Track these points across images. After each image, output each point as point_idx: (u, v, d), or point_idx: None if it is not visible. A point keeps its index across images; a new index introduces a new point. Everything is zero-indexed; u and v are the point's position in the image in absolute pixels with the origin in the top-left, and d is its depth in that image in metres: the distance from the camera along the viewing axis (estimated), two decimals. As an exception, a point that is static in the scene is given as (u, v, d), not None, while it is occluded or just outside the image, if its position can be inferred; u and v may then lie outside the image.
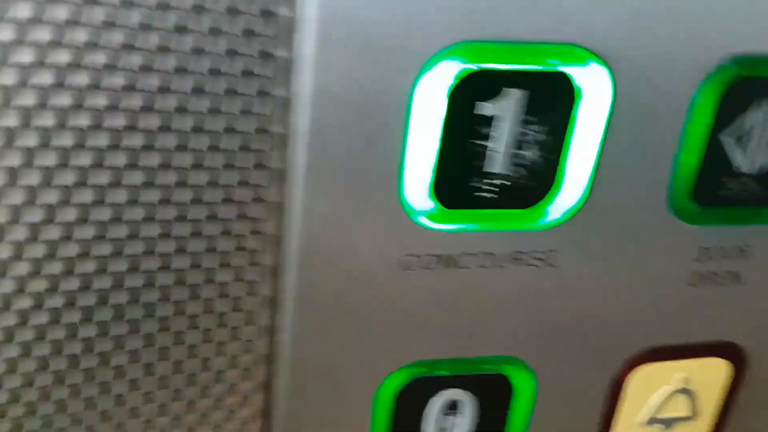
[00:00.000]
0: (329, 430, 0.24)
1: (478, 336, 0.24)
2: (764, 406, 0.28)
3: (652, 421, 0.27)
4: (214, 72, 0.18)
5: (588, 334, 0.25)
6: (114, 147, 0.18)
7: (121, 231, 0.19)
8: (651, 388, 0.27)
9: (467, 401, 0.25)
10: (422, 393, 0.25)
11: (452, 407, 0.25)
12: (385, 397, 0.24)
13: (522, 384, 0.25)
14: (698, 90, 0.21)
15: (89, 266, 0.19)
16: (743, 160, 0.23)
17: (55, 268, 0.19)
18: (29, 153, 0.18)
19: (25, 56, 0.17)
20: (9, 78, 0.17)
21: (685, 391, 0.27)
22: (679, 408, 0.27)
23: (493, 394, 0.25)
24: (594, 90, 0.21)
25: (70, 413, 0.21)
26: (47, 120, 0.18)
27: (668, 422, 0.27)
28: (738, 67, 0.21)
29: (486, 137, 0.21)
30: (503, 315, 0.24)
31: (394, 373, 0.24)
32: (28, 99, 0.17)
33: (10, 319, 0.19)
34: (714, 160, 0.23)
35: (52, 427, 0.21)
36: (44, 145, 0.18)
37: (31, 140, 0.18)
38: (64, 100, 0.18)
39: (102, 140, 0.18)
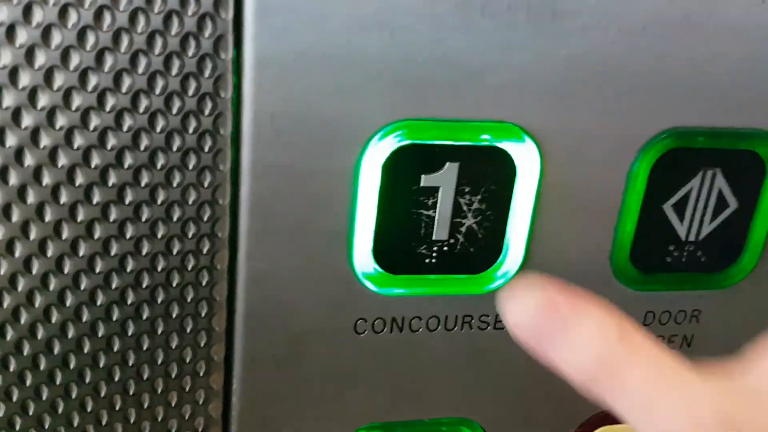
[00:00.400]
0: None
1: (431, 398, 0.25)
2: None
3: (610, 484, 0.27)
4: (165, 149, 0.19)
5: (540, 396, 0.25)
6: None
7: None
8: (608, 451, 0.27)
9: (422, 463, 0.26)
10: (377, 456, 0.25)
11: (407, 469, 0.26)
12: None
13: (478, 446, 0.26)
14: (633, 162, 0.22)
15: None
16: (682, 228, 0.23)
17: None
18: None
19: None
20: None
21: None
22: (638, 471, 0.27)
23: (448, 456, 0.26)
24: (528, 164, 0.22)
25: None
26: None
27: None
28: (672, 139, 0.22)
29: (426, 206, 0.22)
30: (455, 376, 0.25)
31: (350, 436, 0.25)
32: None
33: None
34: (653, 228, 0.23)
35: None
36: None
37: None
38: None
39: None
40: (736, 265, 0.24)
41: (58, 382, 0.21)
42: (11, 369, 0.21)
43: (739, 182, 0.23)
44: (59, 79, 0.18)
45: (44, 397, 0.21)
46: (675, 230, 0.24)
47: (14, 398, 0.21)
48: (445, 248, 0.23)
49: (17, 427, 0.21)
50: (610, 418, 0.26)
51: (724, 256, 0.24)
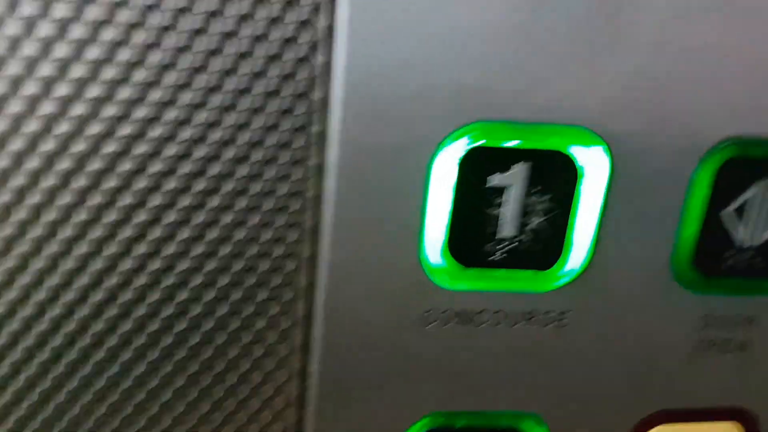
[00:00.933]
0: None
1: (494, 390, 0.26)
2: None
3: (666, 483, 0.28)
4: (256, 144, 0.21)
5: (600, 394, 0.26)
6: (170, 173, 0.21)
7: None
8: (664, 450, 0.28)
9: (483, 453, 0.27)
10: (441, 443, 0.27)
11: (469, 458, 0.27)
12: (406, 445, 0.26)
13: (537, 439, 0.27)
14: (695, 169, 0.23)
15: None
16: (743, 235, 0.24)
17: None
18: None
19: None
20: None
21: (697, 455, 0.28)
22: (692, 472, 0.28)
23: (508, 448, 0.27)
24: (595, 167, 0.23)
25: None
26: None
27: (682, 486, 0.28)
28: (733, 148, 0.23)
29: (495, 205, 0.23)
30: (517, 372, 0.26)
31: (416, 423, 0.26)
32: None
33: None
34: (714, 233, 0.24)
35: None
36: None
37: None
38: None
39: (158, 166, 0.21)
40: (794, 271, 0.25)
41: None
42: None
43: (798, 190, 0.24)
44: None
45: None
46: (734, 236, 0.25)
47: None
48: (512, 246, 0.24)
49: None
50: (667, 417, 0.27)
51: (782, 262, 0.25)
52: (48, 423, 0.24)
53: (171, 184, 0.21)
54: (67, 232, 0.21)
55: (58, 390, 0.23)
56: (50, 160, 0.20)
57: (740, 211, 0.24)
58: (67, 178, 0.21)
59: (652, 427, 0.27)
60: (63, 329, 0.22)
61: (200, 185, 0.21)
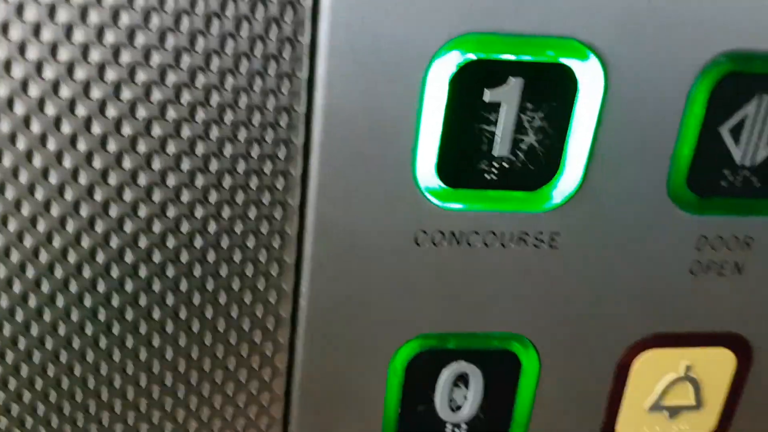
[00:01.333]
0: (346, 392, 0.26)
1: (484, 312, 0.26)
2: (769, 399, 0.29)
3: (657, 407, 0.28)
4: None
5: (591, 316, 0.26)
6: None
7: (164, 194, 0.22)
8: (656, 374, 0.28)
9: (475, 375, 0.27)
10: (432, 365, 0.27)
11: (461, 380, 0.27)
12: (397, 366, 0.26)
13: (529, 362, 0.27)
14: (693, 84, 0.23)
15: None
16: (739, 153, 0.24)
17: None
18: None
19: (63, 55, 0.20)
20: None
21: (689, 379, 0.28)
22: (684, 396, 0.28)
23: (500, 370, 0.27)
24: (590, 82, 0.22)
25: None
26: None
27: (673, 410, 0.28)
28: (730, 63, 0.23)
29: (488, 122, 0.23)
30: (508, 293, 0.26)
31: (406, 344, 0.26)
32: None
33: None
34: (710, 151, 0.24)
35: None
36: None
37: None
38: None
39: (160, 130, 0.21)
40: (791, 192, 0.25)
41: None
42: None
43: (797, 108, 0.24)
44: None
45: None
46: (731, 155, 0.24)
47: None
48: (506, 164, 0.24)
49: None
50: (659, 341, 0.27)
51: (779, 182, 0.25)
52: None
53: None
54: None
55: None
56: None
57: (737, 129, 0.24)
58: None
59: (644, 351, 0.27)
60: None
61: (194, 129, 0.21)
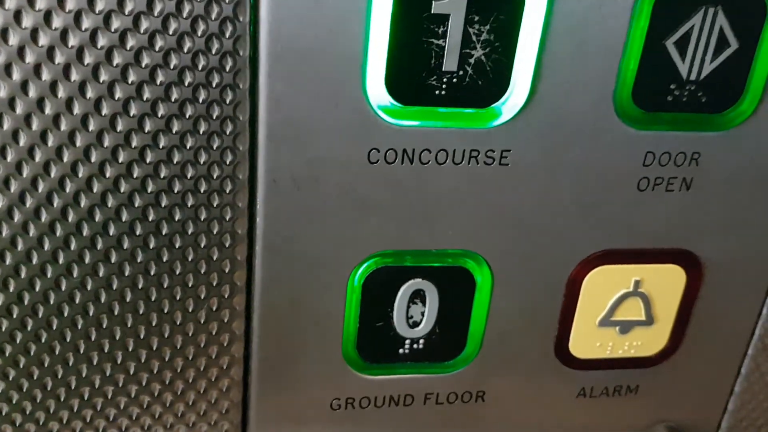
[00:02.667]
0: (306, 311, 0.27)
1: (439, 229, 0.27)
2: (719, 316, 0.30)
3: (608, 322, 0.29)
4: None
5: (543, 233, 0.27)
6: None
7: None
8: (607, 291, 0.29)
9: (431, 292, 0.28)
10: (389, 282, 0.27)
11: (417, 297, 0.28)
12: (356, 285, 0.27)
13: (483, 278, 0.28)
14: (637, -3, 0.23)
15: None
16: (684, 67, 0.24)
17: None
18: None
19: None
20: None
21: (639, 294, 0.29)
22: (635, 312, 0.29)
23: (455, 286, 0.28)
24: (535, -7, 0.23)
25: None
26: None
27: (624, 325, 0.29)
28: (675, -25, 0.23)
29: (437, 36, 0.23)
30: (462, 210, 0.26)
31: (363, 262, 0.27)
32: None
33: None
34: (656, 66, 0.24)
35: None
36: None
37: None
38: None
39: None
40: (736, 107, 0.25)
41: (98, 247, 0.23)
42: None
43: (740, 22, 0.24)
44: None
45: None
46: (677, 69, 0.25)
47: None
48: (455, 80, 0.24)
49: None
50: (610, 257, 0.28)
51: (725, 97, 0.25)
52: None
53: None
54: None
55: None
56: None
57: (683, 42, 0.24)
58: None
59: (594, 267, 0.28)
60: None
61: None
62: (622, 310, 0.29)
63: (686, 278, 0.29)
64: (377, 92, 0.24)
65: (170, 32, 0.22)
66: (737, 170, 0.27)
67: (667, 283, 0.29)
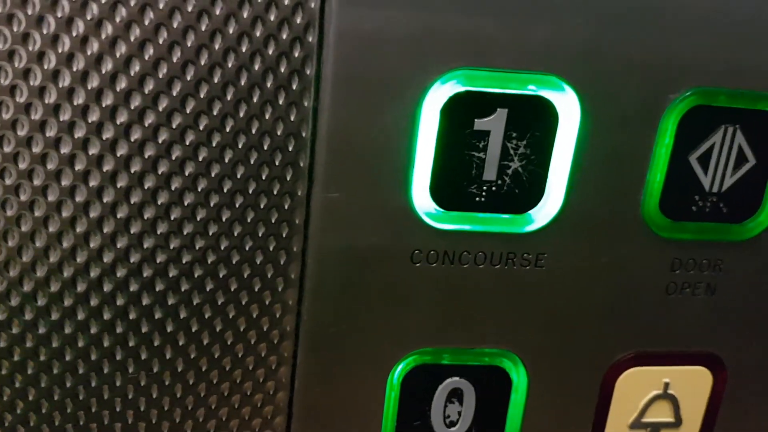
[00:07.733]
0: (345, 406, 0.28)
1: (477, 328, 0.28)
2: (743, 417, 0.30)
3: (639, 424, 0.30)
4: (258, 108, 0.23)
5: (576, 334, 0.28)
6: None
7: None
8: (638, 391, 0.29)
9: (468, 391, 0.29)
10: (428, 380, 0.28)
11: (454, 396, 0.29)
12: (394, 381, 0.28)
13: (519, 378, 0.29)
14: (662, 116, 0.25)
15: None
16: (706, 180, 0.26)
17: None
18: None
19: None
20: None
21: (669, 396, 0.30)
22: (664, 413, 0.30)
23: (492, 386, 0.29)
24: (568, 113, 0.25)
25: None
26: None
27: (654, 427, 0.30)
28: (696, 97, 0.25)
29: (477, 149, 0.25)
30: (499, 310, 0.28)
31: (403, 359, 0.28)
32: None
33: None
34: (680, 179, 0.26)
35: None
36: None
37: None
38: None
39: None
40: (755, 218, 0.27)
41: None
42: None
43: (757, 139, 0.26)
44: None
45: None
46: (700, 182, 0.26)
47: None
48: (493, 188, 0.26)
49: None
50: (640, 359, 0.29)
51: (744, 208, 0.27)
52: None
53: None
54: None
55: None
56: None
57: (705, 158, 0.26)
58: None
59: (627, 369, 0.29)
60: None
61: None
62: (653, 411, 0.30)
63: (712, 380, 0.30)
64: (422, 199, 0.26)
65: (240, 147, 0.24)
66: (758, 276, 0.28)
67: (694, 384, 0.30)
